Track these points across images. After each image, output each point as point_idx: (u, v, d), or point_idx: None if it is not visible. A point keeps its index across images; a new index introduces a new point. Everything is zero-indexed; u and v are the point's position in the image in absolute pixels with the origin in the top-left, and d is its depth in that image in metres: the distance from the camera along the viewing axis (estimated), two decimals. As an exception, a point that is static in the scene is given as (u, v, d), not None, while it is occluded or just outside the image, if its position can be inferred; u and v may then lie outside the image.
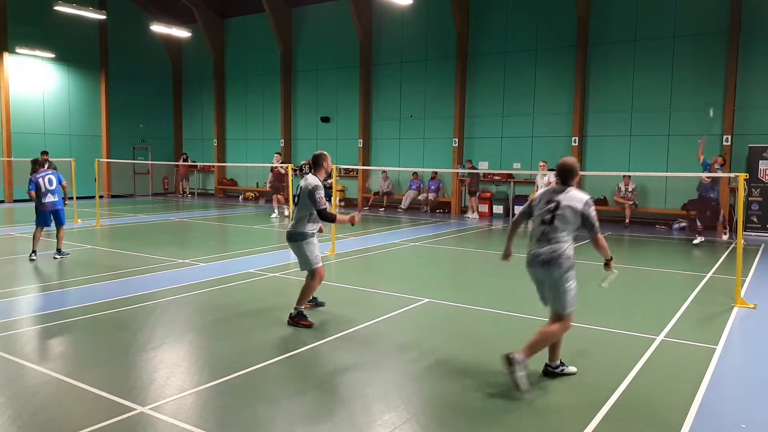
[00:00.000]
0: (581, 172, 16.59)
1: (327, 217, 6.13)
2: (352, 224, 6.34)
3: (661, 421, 4.03)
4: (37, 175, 9.98)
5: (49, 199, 9.88)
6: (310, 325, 6.10)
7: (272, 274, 8.85)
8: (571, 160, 4.75)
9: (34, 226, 10.06)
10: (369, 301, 7.48)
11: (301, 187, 6.16)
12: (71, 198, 11.55)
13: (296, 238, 6.15)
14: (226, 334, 5.94)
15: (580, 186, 17.47)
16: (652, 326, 6.24)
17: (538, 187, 11.88)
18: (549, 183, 11.56)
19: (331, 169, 7.48)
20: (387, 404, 4.29)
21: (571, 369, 4.83)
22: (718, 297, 7.72)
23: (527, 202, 4.95)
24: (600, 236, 4.65)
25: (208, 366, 5.00)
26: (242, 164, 23.69)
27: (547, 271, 4.54)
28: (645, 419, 4.07)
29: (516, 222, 5.01)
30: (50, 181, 9.93)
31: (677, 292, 7.92)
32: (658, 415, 4.13)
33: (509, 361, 4.34)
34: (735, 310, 7.03)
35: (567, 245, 4.53)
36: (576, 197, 4.56)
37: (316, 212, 6.05)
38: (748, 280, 8.81)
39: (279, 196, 16.87)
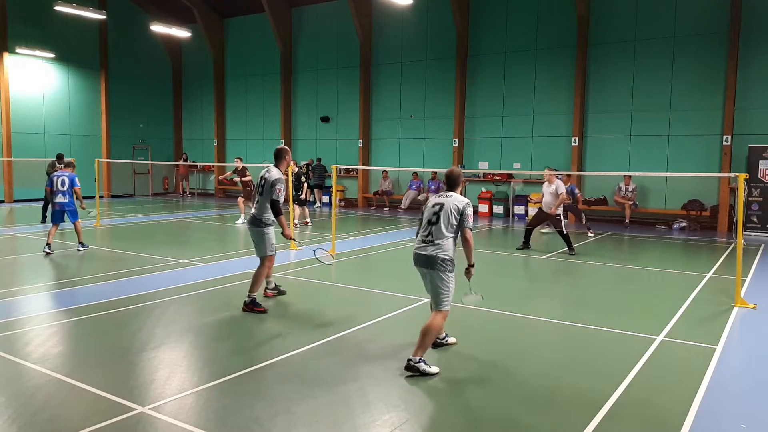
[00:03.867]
0: (581, 172, 16.74)
1: (276, 209, 6.69)
2: (285, 236, 6.91)
3: (661, 421, 4.03)
4: (54, 175, 10.68)
5: (59, 199, 10.47)
6: (264, 311, 6.63)
7: (272, 274, 8.82)
8: (457, 170, 5.33)
9: (50, 223, 10.74)
10: (369, 301, 7.48)
11: (265, 178, 6.78)
12: (85, 198, 11.78)
13: (258, 224, 6.79)
14: (226, 334, 5.94)
15: (580, 185, 17.53)
16: (652, 326, 6.24)
17: (543, 195, 11.64)
18: (557, 192, 11.41)
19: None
20: (387, 404, 4.29)
21: (451, 339, 5.60)
22: (718, 297, 7.72)
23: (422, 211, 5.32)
24: (469, 231, 5.02)
25: (208, 366, 5.00)
26: (242, 164, 23.59)
27: (429, 269, 4.98)
28: (645, 419, 4.07)
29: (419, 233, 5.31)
30: (63, 183, 10.48)
31: (677, 292, 7.92)
32: (658, 415, 4.13)
33: (412, 368, 4.79)
34: (735, 310, 7.04)
35: (448, 247, 4.96)
36: (458, 199, 5.08)
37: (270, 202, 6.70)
38: (748, 280, 8.81)
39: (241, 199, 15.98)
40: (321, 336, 5.78)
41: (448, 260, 4.92)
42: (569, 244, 11.20)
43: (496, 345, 5.79)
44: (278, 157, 7.05)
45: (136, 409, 4.07)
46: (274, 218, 6.77)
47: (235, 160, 16.66)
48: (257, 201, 6.87)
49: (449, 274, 4.93)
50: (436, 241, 4.96)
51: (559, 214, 11.29)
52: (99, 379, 4.60)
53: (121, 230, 14.20)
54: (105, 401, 4.21)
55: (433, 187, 19.34)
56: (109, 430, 3.78)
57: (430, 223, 5.05)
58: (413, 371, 4.78)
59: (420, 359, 4.81)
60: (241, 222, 15.47)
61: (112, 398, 4.25)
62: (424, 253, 5.01)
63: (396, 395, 4.44)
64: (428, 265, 4.96)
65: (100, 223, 14.58)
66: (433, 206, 5.10)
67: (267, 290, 7.44)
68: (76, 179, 10.60)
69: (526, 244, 11.59)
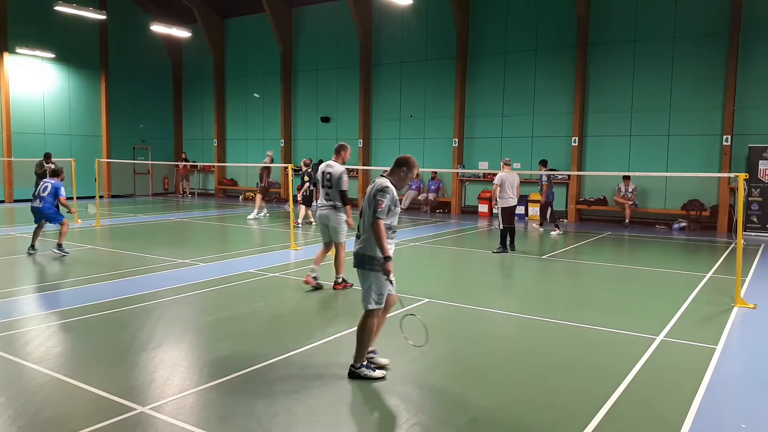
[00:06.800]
0: (581, 173, 16.72)
1: (344, 199, 7.73)
2: (349, 225, 7.59)
3: (661, 421, 4.03)
4: (41, 180, 10.75)
5: (35, 204, 10.36)
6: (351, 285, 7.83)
7: (272, 274, 8.85)
8: (406, 158, 4.81)
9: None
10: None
11: (330, 173, 7.62)
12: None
13: (339, 210, 7.78)
14: (226, 334, 5.94)
15: (579, 186, 17.51)
16: (652, 326, 6.24)
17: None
18: (494, 186, 11.34)
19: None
20: (387, 404, 4.29)
21: (383, 360, 4.94)
22: (718, 297, 7.73)
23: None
24: (377, 222, 4.52)
25: (208, 366, 5.00)
26: (242, 164, 23.69)
27: (359, 268, 4.73)
28: (645, 419, 4.07)
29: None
30: (45, 188, 10.34)
31: (677, 292, 7.92)
32: (658, 415, 4.14)
33: (355, 375, 4.65)
34: (735, 310, 7.04)
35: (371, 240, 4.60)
36: (376, 186, 4.65)
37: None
38: (747, 280, 8.81)
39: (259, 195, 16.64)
40: (320, 336, 5.78)
41: (369, 258, 4.65)
42: (510, 240, 11.29)
43: (495, 345, 5.79)
44: (338, 152, 7.73)
45: (136, 409, 4.07)
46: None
47: (267, 154, 17.14)
48: (327, 194, 7.54)
49: (372, 273, 4.66)
50: (363, 234, 4.69)
51: (497, 208, 11.31)
52: (99, 379, 4.60)
53: (121, 230, 14.20)
54: (105, 401, 4.21)
55: (432, 187, 19.37)
56: (109, 430, 3.78)
57: (361, 215, 4.74)
58: (364, 374, 4.66)
59: (361, 365, 4.68)
60: (254, 217, 15.80)
61: (112, 398, 4.25)
62: (355, 249, 4.74)
63: (396, 395, 4.44)
64: (358, 262, 4.71)
65: (100, 223, 14.58)
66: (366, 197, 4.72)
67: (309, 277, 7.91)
68: (61, 189, 10.32)
69: (510, 247, 11.33)
